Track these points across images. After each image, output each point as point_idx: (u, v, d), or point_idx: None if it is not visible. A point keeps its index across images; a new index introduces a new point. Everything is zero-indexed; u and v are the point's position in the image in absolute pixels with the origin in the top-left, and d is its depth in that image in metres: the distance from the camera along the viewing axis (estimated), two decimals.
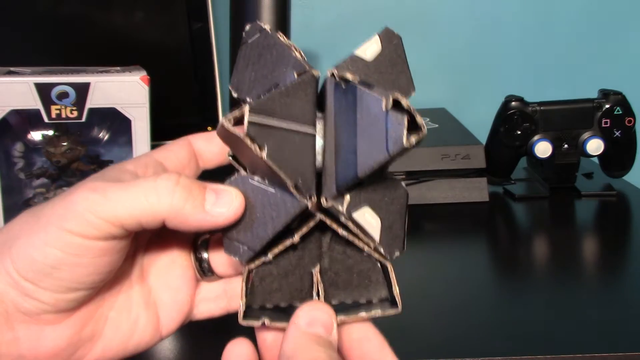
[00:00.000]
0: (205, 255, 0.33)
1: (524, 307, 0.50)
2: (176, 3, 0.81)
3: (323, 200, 0.28)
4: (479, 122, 0.85)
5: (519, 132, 0.74)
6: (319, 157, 0.29)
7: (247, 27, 0.31)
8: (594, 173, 0.81)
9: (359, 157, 0.26)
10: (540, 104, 0.74)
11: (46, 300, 0.28)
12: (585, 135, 0.74)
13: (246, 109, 0.27)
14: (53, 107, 0.56)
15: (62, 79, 0.56)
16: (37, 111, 0.56)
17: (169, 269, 0.33)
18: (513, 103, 0.74)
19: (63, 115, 0.57)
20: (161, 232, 0.33)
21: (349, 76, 0.27)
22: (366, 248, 0.30)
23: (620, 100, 0.73)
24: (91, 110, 0.57)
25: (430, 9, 1.03)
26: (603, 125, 0.74)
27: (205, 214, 0.28)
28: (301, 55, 0.30)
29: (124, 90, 0.57)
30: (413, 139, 0.24)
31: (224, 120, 0.27)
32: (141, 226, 0.28)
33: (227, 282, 0.34)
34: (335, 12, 1.03)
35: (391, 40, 0.29)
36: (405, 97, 0.25)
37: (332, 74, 0.28)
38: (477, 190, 0.74)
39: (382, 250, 0.29)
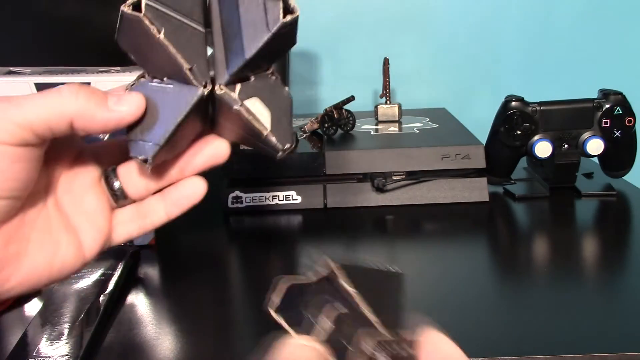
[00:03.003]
0: (115, 181, 0.36)
1: (524, 307, 0.50)
2: None
3: (217, 88, 0.31)
4: (479, 122, 0.85)
5: (519, 132, 0.74)
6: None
7: None
8: (594, 173, 0.81)
9: (245, 42, 0.30)
10: (540, 104, 0.74)
11: None
12: (585, 135, 0.74)
13: None
14: None
15: (62, 79, 0.56)
16: None
17: (83, 197, 0.35)
18: (513, 103, 0.74)
19: None
20: (72, 162, 0.35)
21: None
22: (264, 132, 0.32)
23: (620, 100, 0.73)
24: None
25: (430, 8, 1.03)
26: (603, 125, 0.74)
27: (110, 112, 0.31)
28: None
29: None
30: (288, 17, 0.31)
31: (123, 7, 0.30)
32: (51, 130, 0.30)
33: (139, 203, 0.37)
34: (335, 12, 1.03)
35: None
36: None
37: None
38: (477, 190, 0.74)
39: (274, 139, 0.32)
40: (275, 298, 0.27)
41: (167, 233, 0.65)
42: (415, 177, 0.74)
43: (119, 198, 0.36)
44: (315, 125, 0.84)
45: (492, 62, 1.05)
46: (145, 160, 0.32)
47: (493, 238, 0.67)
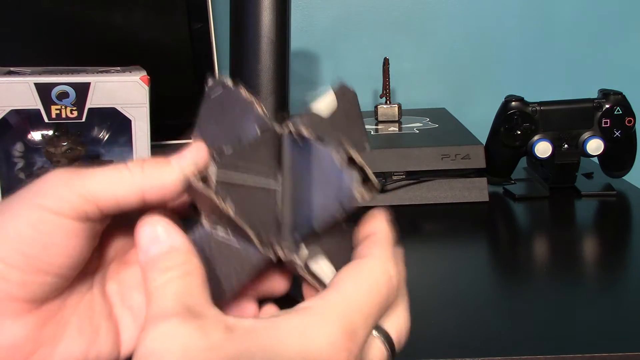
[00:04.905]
0: None
1: (524, 307, 0.50)
2: (176, 3, 0.81)
3: (281, 254, 0.28)
4: (479, 122, 0.85)
5: (519, 132, 0.74)
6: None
7: (210, 82, 0.31)
8: (594, 173, 0.81)
9: (314, 210, 0.27)
10: (540, 104, 0.74)
11: (14, 279, 0.27)
12: (585, 135, 0.74)
13: (212, 169, 0.27)
14: (53, 107, 0.56)
15: (62, 79, 0.56)
16: (37, 111, 0.56)
17: (131, 290, 0.33)
18: (513, 103, 0.74)
19: (63, 115, 0.57)
20: (127, 249, 0.33)
21: (305, 132, 0.28)
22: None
23: (620, 100, 0.73)
24: (91, 110, 0.57)
25: (430, 8, 1.03)
26: (603, 125, 0.74)
27: (178, 171, 0.29)
28: (263, 111, 0.31)
29: (124, 90, 0.57)
30: (367, 195, 0.26)
31: (192, 178, 0.27)
32: (117, 202, 0.28)
33: None
34: (335, 12, 1.03)
35: (346, 95, 0.30)
36: (359, 151, 0.28)
37: (290, 131, 0.29)
38: (477, 190, 0.74)
39: None
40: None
41: None
42: (415, 177, 0.74)
43: None
44: None
45: (492, 62, 1.05)
46: None
47: (493, 238, 0.67)
